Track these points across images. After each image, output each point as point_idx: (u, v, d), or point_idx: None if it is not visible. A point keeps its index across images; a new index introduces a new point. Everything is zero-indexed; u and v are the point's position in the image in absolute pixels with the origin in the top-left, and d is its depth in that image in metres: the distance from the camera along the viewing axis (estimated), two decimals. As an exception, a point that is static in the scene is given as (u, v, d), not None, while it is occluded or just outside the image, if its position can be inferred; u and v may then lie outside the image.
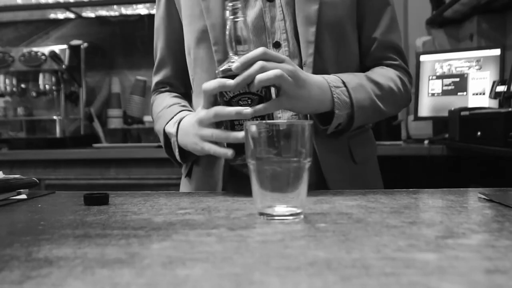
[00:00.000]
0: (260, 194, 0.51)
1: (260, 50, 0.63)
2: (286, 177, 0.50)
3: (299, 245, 0.40)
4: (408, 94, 0.86)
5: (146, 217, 0.53)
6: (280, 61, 0.65)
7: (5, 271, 0.34)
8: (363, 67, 0.87)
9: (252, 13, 0.80)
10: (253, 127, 0.51)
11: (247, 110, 0.63)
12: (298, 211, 0.51)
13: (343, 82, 0.74)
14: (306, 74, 0.69)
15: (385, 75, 0.82)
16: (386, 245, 0.39)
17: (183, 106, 0.85)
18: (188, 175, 0.89)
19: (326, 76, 0.74)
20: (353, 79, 0.77)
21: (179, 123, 0.77)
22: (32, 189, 0.74)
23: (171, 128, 0.80)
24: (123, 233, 0.45)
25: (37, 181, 0.73)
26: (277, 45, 0.80)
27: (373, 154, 0.93)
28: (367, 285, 0.30)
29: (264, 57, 0.63)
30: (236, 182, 0.80)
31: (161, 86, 0.95)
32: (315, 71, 0.76)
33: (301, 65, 0.78)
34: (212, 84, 0.65)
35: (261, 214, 0.51)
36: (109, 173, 1.96)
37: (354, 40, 0.85)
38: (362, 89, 0.76)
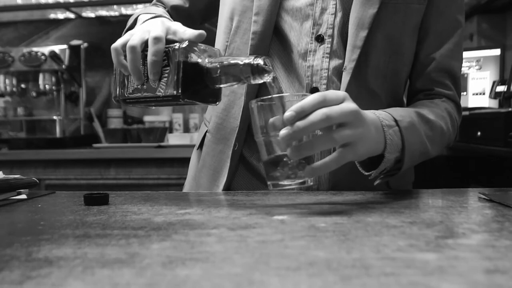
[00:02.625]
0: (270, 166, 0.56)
1: (317, 97, 0.52)
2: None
3: (299, 245, 0.40)
4: (454, 133, 0.77)
5: (146, 217, 0.53)
6: (341, 100, 0.54)
7: (5, 271, 0.34)
8: (411, 87, 0.81)
9: None
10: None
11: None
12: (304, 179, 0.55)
13: (395, 121, 0.63)
14: (363, 111, 0.57)
15: (436, 112, 0.72)
16: (386, 245, 0.39)
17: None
18: (200, 146, 0.85)
19: (375, 111, 0.63)
20: (405, 116, 0.65)
21: (154, 18, 0.70)
22: (32, 189, 0.74)
23: (143, 16, 0.74)
24: (123, 233, 0.45)
25: (37, 181, 0.73)
26: (319, 39, 0.73)
27: (410, 181, 0.86)
28: (367, 285, 0.30)
29: (322, 105, 0.52)
30: (242, 180, 0.79)
31: (161, 5, 0.89)
32: (354, 79, 0.71)
33: (341, 68, 0.72)
34: (195, 36, 0.60)
35: (274, 185, 0.56)
36: (109, 173, 1.96)
37: (409, 55, 0.77)
38: (414, 130, 0.65)
